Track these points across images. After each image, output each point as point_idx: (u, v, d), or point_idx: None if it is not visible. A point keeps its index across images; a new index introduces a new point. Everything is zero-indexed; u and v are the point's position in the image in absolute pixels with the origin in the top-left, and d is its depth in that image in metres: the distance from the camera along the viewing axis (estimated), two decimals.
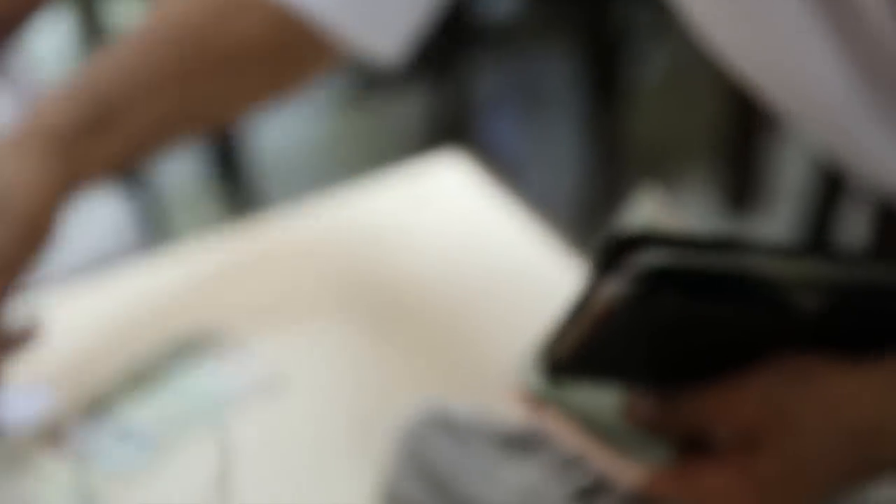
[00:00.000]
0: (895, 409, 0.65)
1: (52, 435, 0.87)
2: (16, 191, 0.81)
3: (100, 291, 1.00)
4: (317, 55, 0.92)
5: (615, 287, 0.63)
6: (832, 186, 1.38)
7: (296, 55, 0.92)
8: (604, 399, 0.73)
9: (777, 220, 2.22)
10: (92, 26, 2.08)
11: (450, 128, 2.44)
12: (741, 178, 2.26)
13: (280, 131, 2.50)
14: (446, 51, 2.41)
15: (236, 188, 2.07)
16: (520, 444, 0.80)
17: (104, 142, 0.85)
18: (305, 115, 2.60)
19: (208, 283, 1.00)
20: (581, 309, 0.66)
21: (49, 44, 2.42)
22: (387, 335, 0.95)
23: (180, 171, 2.26)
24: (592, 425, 0.74)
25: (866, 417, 0.66)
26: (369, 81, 2.64)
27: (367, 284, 1.00)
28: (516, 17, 2.83)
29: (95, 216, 1.28)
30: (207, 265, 1.02)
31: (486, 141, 2.44)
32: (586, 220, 2.23)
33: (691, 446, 0.70)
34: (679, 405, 0.69)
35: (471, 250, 1.02)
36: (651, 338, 0.68)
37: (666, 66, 2.57)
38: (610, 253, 0.63)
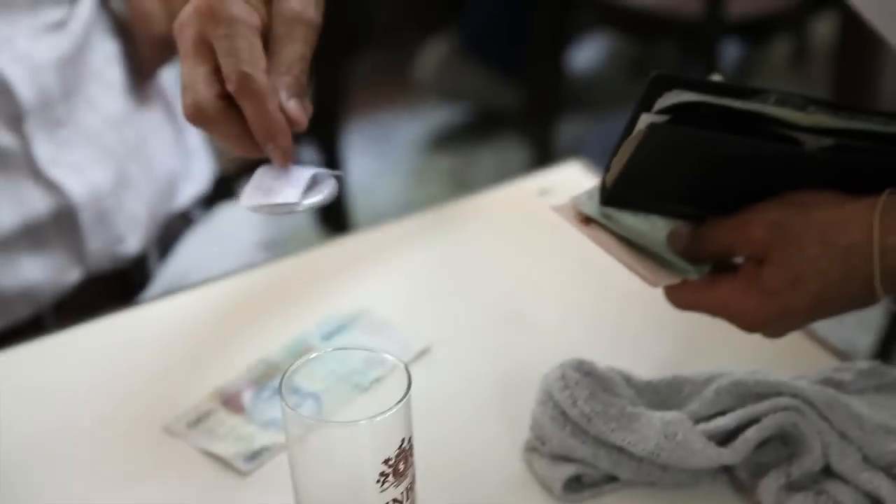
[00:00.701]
0: (878, 233, 0.78)
1: (230, 398, 0.97)
2: None
3: (259, 283, 1.11)
4: None
5: (648, 119, 0.78)
6: None
7: None
8: (654, 225, 0.85)
9: None
10: None
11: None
12: None
13: (371, 179, 2.62)
14: (540, 104, 2.51)
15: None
16: (661, 395, 0.89)
17: None
18: (392, 162, 2.71)
19: (350, 273, 1.10)
20: (624, 140, 0.81)
21: None
22: (516, 311, 1.05)
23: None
24: (640, 245, 0.85)
25: (854, 238, 0.79)
26: (458, 129, 2.75)
27: (493, 267, 1.10)
28: (603, 71, 2.94)
29: (235, 239, 1.39)
30: (347, 259, 1.12)
31: None
32: None
33: (723, 269, 0.84)
34: (705, 233, 0.83)
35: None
36: (679, 167, 0.82)
37: None
38: (649, 93, 0.78)
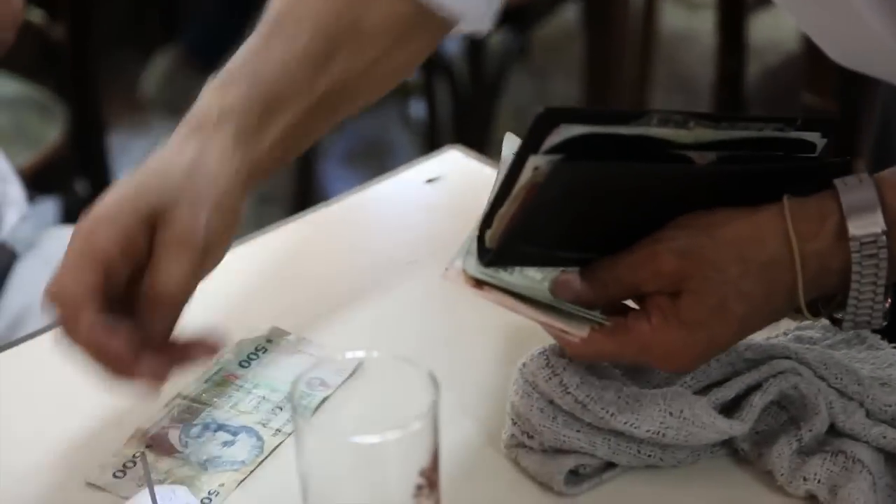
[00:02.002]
0: (796, 241, 0.75)
1: (155, 439, 0.87)
2: (211, 179, 0.81)
3: None
4: (432, 28, 0.94)
5: (536, 162, 0.72)
6: None
7: (421, 28, 0.93)
8: (532, 279, 0.79)
9: None
10: None
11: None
12: None
13: None
14: None
15: None
16: (645, 374, 0.84)
17: (272, 129, 0.85)
18: None
19: (253, 289, 1.01)
20: (508, 189, 0.74)
21: None
22: (437, 306, 0.98)
23: None
24: (530, 300, 0.79)
25: (771, 250, 0.76)
26: None
27: (395, 263, 1.02)
28: None
29: None
30: (248, 275, 1.02)
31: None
32: None
33: (622, 308, 0.78)
34: (604, 275, 0.77)
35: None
36: (574, 208, 0.76)
37: None
38: (536, 132, 0.72)
